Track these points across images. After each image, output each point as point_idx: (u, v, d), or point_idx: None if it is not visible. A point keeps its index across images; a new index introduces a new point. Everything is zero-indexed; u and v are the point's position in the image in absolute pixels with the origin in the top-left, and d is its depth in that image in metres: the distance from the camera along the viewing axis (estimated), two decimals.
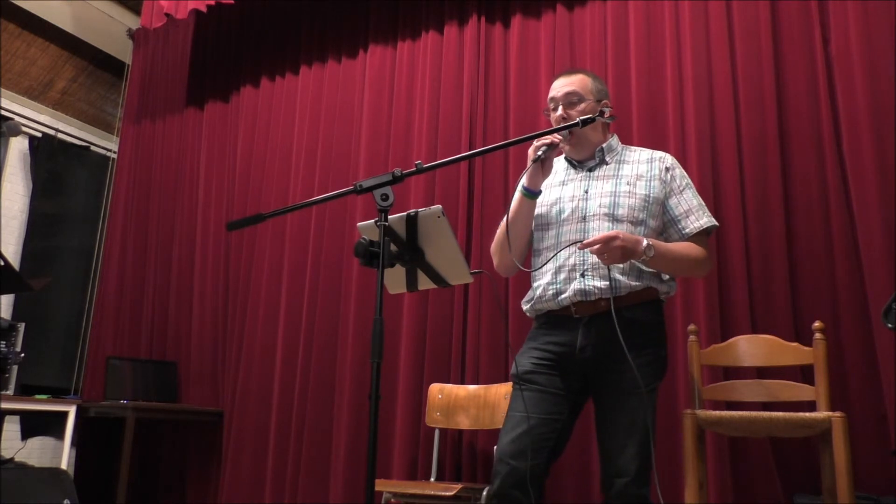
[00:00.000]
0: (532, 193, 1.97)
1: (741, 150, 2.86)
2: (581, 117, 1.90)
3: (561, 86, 2.05)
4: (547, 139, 1.90)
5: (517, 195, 1.99)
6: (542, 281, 1.97)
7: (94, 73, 5.11)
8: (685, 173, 2.06)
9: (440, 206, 1.64)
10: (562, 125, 1.93)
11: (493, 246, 2.10)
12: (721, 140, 2.89)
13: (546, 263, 1.96)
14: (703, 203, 2.02)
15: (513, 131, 3.38)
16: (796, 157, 2.78)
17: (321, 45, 4.18)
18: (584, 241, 1.82)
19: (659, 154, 2.07)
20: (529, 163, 1.93)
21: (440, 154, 3.50)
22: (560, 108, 2.02)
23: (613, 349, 1.85)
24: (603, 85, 2.11)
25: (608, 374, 1.89)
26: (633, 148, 2.12)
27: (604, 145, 2.05)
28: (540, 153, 1.89)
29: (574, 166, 2.08)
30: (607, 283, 1.88)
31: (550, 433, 1.88)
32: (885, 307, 1.93)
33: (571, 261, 1.93)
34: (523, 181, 1.95)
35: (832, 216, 2.67)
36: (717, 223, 2.03)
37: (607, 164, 2.04)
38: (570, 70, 2.15)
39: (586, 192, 1.99)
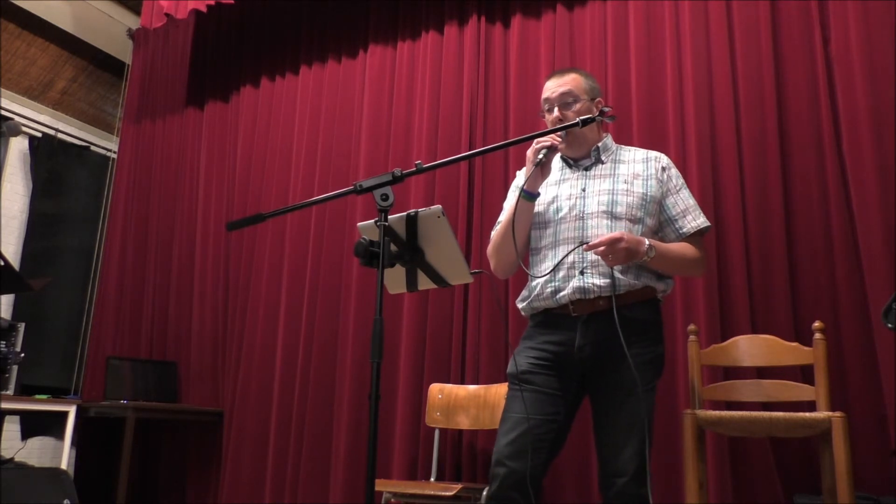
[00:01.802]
0: (532, 196, 1.96)
1: (741, 150, 2.86)
2: (581, 118, 1.88)
3: (555, 86, 2.04)
4: (547, 142, 1.89)
5: (515, 197, 2.00)
6: (540, 279, 1.97)
7: (94, 73, 5.11)
8: (679, 173, 2.07)
9: (440, 206, 1.64)
10: (561, 125, 1.93)
11: (490, 249, 2.09)
12: (721, 140, 2.89)
13: (552, 270, 1.93)
14: (697, 204, 2.04)
15: (513, 131, 3.38)
16: (796, 157, 2.78)
17: (321, 45, 4.18)
18: (590, 243, 1.82)
19: (654, 154, 2.07)
20: (530, 166, 1.92)
21: (440, 154, 3.50)
22: (556, 109, 2.01)
23: (613, 348, 1.85)
24: (595, 83, 2.10)
25: (607, 374, 1.89)
26: (627, 147, 2.12)
27: (599, 144, 2.05)
28: (541, 156, 1.89)
29: (569, 165, 2.08)
30: (607, 280, 1.88)
31: (548, 434, 1.88)
32: (885, 307, 1.92)
33: (570, 258, 1.92)
34: (524, 184, 1.94)
35: (832, 216, 2.67)
36: (710, 224, 2.05)
37: (603, 163, 2.04)
38: (563, 70, 2.14)
39: (583, 190, 1.99)
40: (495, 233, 2.07)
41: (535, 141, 1.91)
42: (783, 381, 2.36)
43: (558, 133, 1.92)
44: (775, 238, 2.73)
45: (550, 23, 3.44)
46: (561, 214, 1.98)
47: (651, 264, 1.89)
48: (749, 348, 2.40)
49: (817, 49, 2.81)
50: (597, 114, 1.98)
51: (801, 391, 2.29)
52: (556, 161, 2.10)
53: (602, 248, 1.79)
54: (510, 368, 1.97)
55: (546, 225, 2.01)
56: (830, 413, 2.09)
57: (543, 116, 2.07)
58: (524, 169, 2.01)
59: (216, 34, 4.70)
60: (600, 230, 1.91)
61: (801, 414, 2.13)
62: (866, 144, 2.62)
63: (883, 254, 2.51)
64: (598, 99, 2.06)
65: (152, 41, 4.97)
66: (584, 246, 1.85)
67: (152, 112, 4.82)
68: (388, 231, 1.55)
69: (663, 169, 2.03)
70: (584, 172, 2.03)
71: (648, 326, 1.93)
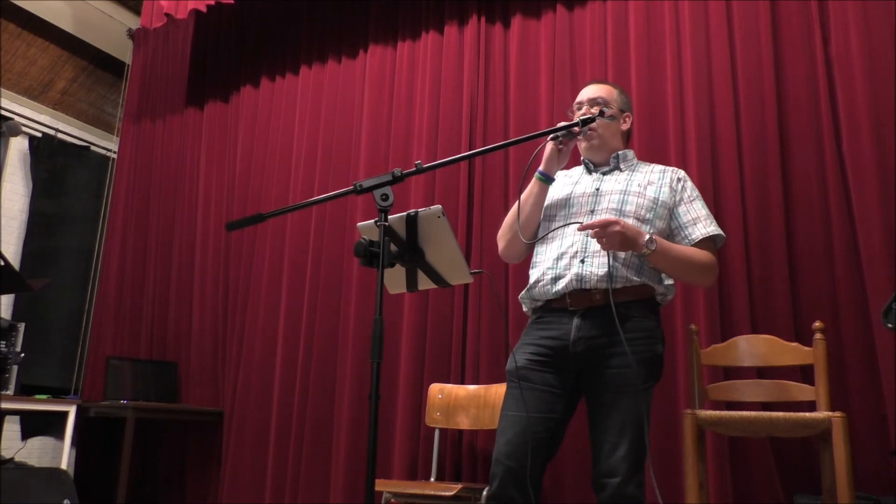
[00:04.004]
0: (546, 178, 2.04)
1: (741, 150, 2.86)
2: (581, 117, 1.97)
3: (590, 91, 2.15)
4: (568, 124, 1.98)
5: (532, 180, 2.08)
6: (543, 266, 2.00)
7: (94, 73, 5.11)
8: (696, 187, 2.10)
9: (440, 206, 1.64)
10: (560, 125, 1.98)
11: (501, 231, 2.15)
12: (721, 140, 2.89)
13: (548, 233, 2.02)
14: (711, 215, 2.06)
15: (513, 131, 3.38)
16: (796, 157, 2.78)
17: (321, 45, 4.18)
18: (584, 224, 1.87)
19: (672, 168, 2.13)
20: (549, 149, 2.02)
21: (440, 154, 3.50)
22: (584, 107, 2.10)
23: (607, 343, 1.86)
24: (629, 100, 2.20)
25: (601, 371, 1.89)
26: (648, 163, 2.17)
27: (619, 153, 2.11)
28: (560, 132, 1.96)
29: (589, 171, 2.14)
30: (605, 270, 1.89)
31: (545, 432, 1.88)
32: (885, 307, 1.92)
33: (574, 248, 1.95)
34: (541, 166, 2.04)
35: (832, 216, 2.67)
36: (724, 234, 2.05)
37: (621, 171, 2.10)
38: (602, 80, 2.28)
39: (597, 189, 2.05)
40: (508, 217, 2.14)
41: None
42: (783, 381, 2.36)
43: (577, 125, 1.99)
44: (775, 238, 2.73)
45: (550, 23, 3.44)
46: (573, 210, 2.04)
47: (652, 260, 1.89)
48: (749, 348, 2.41)
49: (817, 49, 2.80)
50: (624, 126, 2.13)
51: (801, 391, 2.29)
52: (578, 167, 2.19)
53: (596, 230, 1.82)
54: (508, 365, 1.98)
55: (556, 219, 2.06)
56: (830, 413, 2.09)
57: (571, 115, 2.13)
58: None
59: (216, 34, 4.70)
60: None
61: (801, 414, 2.13)
62: (866, 144, 2.62)
63: (883, 254, 2.51)
64: (626, 113, 2.14)
65: (152, 41, 4.97)
66: (579, 226, 1.90)
67: (152, 112, 4.82)
68: (388, 231, 1.55)
69: (679, 179, 2.07)
70: (601, 177, 2.09)
71: (645, 325, 1.92)
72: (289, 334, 3.77)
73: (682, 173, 2.10)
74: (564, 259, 1.95)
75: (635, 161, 2.15)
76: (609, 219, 1.83)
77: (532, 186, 2.06)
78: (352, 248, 1.84)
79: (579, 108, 2.11)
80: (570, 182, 2.13)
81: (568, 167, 2.18)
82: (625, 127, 2.13)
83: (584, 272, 1.91)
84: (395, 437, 3.24)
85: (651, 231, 1.94)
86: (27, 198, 4.74)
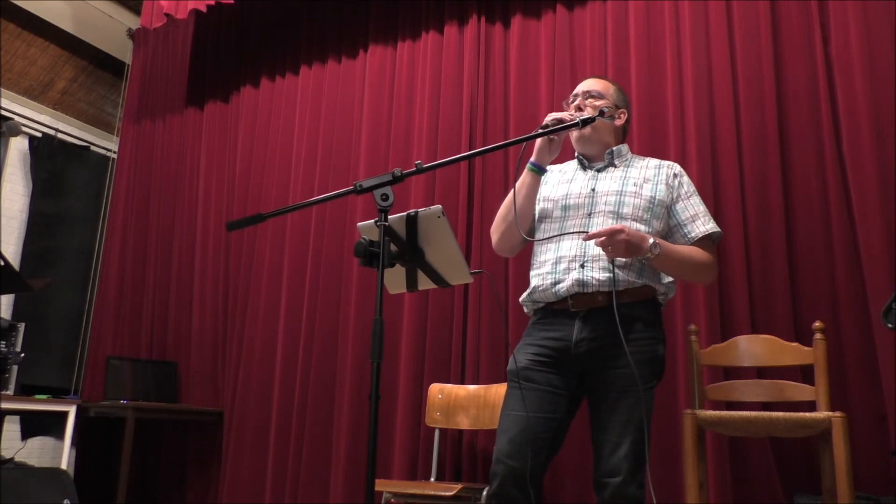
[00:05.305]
0: (539, 169, 2.01)
1: (741, 150, 2.86)
2: (581, 117, 1.93)
3: (586, 84, 2.14)
4: (562, 116, 1.94)
5: (524, 172, 2.05)
6: (542, 270, 1.99)
7: (94, 73, 5.11)
8: (692, 182, 2.10)
9: (440, 206, 1.64)
10: (560, 125, 1.95)
11: (494, 224, 2.12)
12: (721, 140, 2.89)
13: (546, 236, 2.00)
14: (708, 211, 2.06)
15: (513, 131, 3.38)
16: (796, 157, 2.78)
17: (321, 45, 4.18)
18: (590, 233, 1.85)
19: (667, 162, 2.12)
20: (541, 141, 1.99)
21: (440, 154, 3.50)
22: (578, 99, 2.09)
23: (610, 344, 1.86)
24: (626, 97, 2.19)
25: (604, 371, 1.89)
26: (642, 157, 2.16)
27: (614, 149, 2.09)
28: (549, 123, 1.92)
29: (584, 167, 2.12)
30: (607, 275, 1.89)
31: (547, 432, 1.88)
32: (885, 307, 1.93)
33: (572, 252, 1.95)
34: (532, 157, 2.01)
35: (832, 216, 2.67)
36: (720, 231, 2.05)
37: (615, 167, 2.08)
38: (600, 75, 2.26)
39: (593, 189, 2.03)
40: (500, 210, 2.11)
41: (550, 115, 1.96)
42: (783, 381, 2.36)
43: (572, 118, 1.95)
44: (775, 238, 2.73)
45: (550, 23, 3.44)
46: (569, 211, 2.02)
47: (655, 263, 1.90)
48: (749, 348, 2.41)
49: (817, 49, 2.80)
50: (619, 122, 2.10)
51: (801, 391, 2.29)
52: (572, 164, 2.17)
53: (602, 239, 1.81)
54: (510, 366, 1.98)
55: (553, 220, 2.04)
56: (830, 413, 2.09)
57: (565, 106, 2.12)
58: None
59: (216, 34, 4.70)
60: (605, 227, 1.93)
61: (801, 414, 2.13)
62: (866, 144, 2.62)
63: (883, 254, 2.51)
64: (622, 109, 2.12)
65: (152, 41, 4.97)
66: (584, 235, 1.88)
67: (152, 112, 4.82)
68: (388, 231, 1.55)
69: (675, 175, 2.06)
70: (596, 174, 2.08)
71: (647, 326, 1.93)
72: (289, 334, 3.77)
73: (677, 168, 2.09)
74: (563, 263, 1.95)
75: (630, 156, 2.13)
76: (615, 227, 1.82)
77: (524, 177, 2.03)
78: (352, 248, 1.84)
79: (573, 101, 2.10)
80: (564, 179, 2.10)
81: (561, 160, 2.16)
82: (619, 123, 2.11)
83: (584, 277, 1.91)
84: (395, 437, 3.24)
85: (649, 232, 1.94)
86: (27, 198, 4.74)
